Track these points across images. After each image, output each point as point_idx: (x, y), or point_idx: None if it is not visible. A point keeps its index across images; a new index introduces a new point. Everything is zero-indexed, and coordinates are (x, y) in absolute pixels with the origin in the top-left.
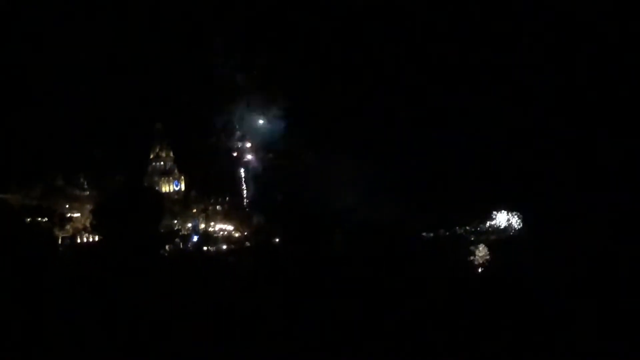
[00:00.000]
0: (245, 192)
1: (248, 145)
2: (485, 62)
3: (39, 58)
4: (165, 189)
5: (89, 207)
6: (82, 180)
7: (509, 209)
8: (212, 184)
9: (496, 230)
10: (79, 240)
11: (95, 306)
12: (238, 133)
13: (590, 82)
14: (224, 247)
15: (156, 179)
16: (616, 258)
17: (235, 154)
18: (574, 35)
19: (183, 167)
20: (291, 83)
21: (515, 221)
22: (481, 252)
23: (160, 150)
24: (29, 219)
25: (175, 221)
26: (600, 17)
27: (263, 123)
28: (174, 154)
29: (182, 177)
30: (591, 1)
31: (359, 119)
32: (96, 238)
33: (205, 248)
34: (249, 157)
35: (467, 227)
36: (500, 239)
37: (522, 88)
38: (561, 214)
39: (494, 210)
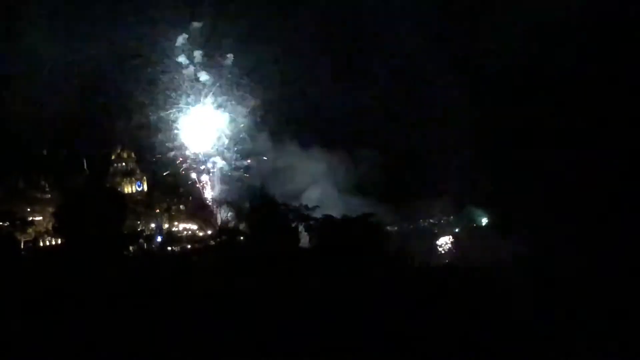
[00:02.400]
0: (208, 190)
1: (211, 143)
2: (448, 58)
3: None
4: (127, 189)
5: (50, 209)
6: (43, 182)
7: (473, 203)
8: (174, 184)
9: (459, 222)
10: (41, 244)
11: (59, 310)
12: (200, 131)
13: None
14: (189, 246)
15: (118, 179)
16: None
17: (198, 153)
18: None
19: (145, 167)
20: (257, 78)
21: (479, 214)
22: (444, 244)
23: (122, 150)
24: None
25: (139, 222)
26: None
27: (228, 120)
28: (135, 155)
29: (145, 178)
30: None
31: (324, 114)
32: (59, 241)
33: (169, 248)
34: (212, 155)
35: (431, 220)
36: (464, 231)
37: (482, 79)
38: (523, 207)
39: (458, 204)
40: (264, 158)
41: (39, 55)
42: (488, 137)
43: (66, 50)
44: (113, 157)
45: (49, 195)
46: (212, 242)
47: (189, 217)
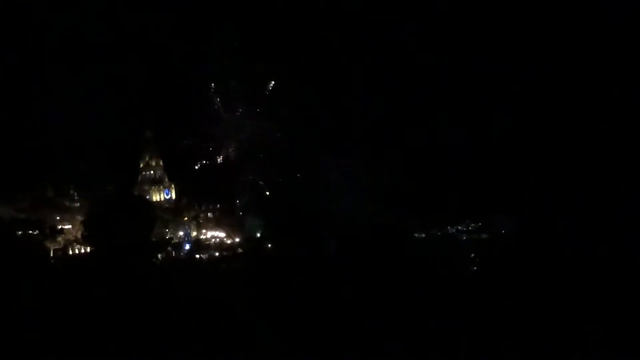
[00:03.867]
0: (236, 198)
1: (239, 151)
2: (478, 66)
3: (25, 72)
4: (155, 197)
5: (79, 218)
6: (72, 191)
7: (501, 208)
8: (203, 191)
9: (488, 229)
10: (70, 252)
11: (90, 318)
12: (229, 140)
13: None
14: (217, 254)
15: (146, 188)
16: (601, 258)
17: (225, 161)
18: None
19: (173, 175)
20: (284, 89)
21: (507, 220)
22: (473, 250)
23: (150, 159)
24: (19, 232)
25: (167, 230)
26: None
27: (255, 129)
28: (163, 162)
29: (173, 185)
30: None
31: (351, 122)
32: (88, 249)
33: (197, 256)
34: (240, 163)
35: (459, 227)
36: (492, 238)
37: (511, 91)
38: (552, 213)
39: (486, 210)
40: (292, 166)
41: (67, 64)
42: (517, 142)
43: (96, 60)
44: (141, 165)
45: (78, 204)
46: (240, 250)
47: (217, 224)
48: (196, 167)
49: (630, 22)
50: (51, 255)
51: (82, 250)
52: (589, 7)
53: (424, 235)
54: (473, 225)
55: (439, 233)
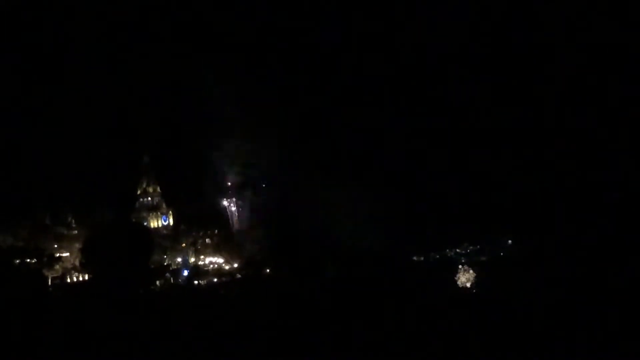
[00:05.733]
0: (234, 224)
1: (237, 177)
2: (471, 91)
3: (21, 99)
4: (153, 224)
5: (77, 245)
6: (69, 218)
7: (499, 231)
8: (200, 218)
9: (486, 251)
10: (68, 280)
11: (88, 346)
12: (227, 166)
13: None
14: (215, 280)
15: (144, 214)
16: (599, 281)
17: (223, 187)
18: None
19: (171, 201)
20: (281, 116)
21: (505, 243)
22: (471, 273)
23: (147, 185)
24: (17, 261)
25: (165, 256)
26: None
27: (252, 156)
28: (161, 189)
29: (170, 212)
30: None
31: (347, 148)
32: (86, 277)
33: (195, 282)
34: (237, 189)
35: (458, 250)
36: (491, 260)
37: (510, 112)
38: (549, 237)
39: (484, 232)
40: (290, 190)
41: (63, 92)
42: (514, 166)
43: (93, 87)
44: (139, 192)
45: (76, 232)
46: (239, 276)
47: (215, 250)
48: (194, 194)
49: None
50: (49, 283)
51: (80, 278)
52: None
53: (422, 258)
54: (471, 247)
55: (438, 256)
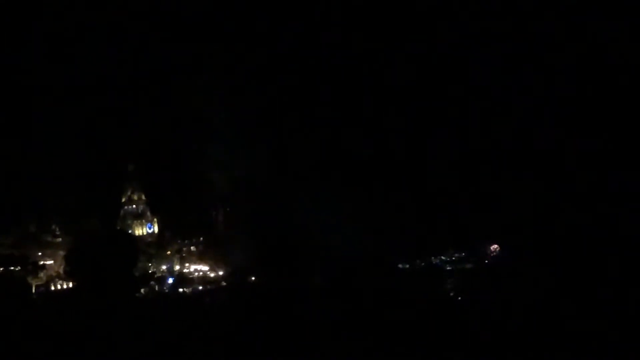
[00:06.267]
0: (219, 231)
1: (223, 184)
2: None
3: (4, 106)
4: (138, 232)
5: (62, 253)
6: (54, 226)
7: (485, 238)
8: (186, 225)
9: (471, 258)
10: (53, 288)
11: (72, 353)
12: (213, 173)
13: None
14: (200, 287)
15: (129, 222)
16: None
17: (209, 194)
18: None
19: (156, 209)
20: (267, 121)
21: (491, 250)
22: (457, 280)
23: (132, 193)
24: (1, 268)
25: (150, 264)
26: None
27: (238, 161)
28: (146, 197)
29: (155, 219)
30: None
31: (335, 155)
32: (70, 285)
33: (180, 290)
34: (223, 196)
35: (443, 257)
36: (476, 268)
37: (493, 120)
38: (535, 244)
39: (470, 240)
40: (276, 198)
41: (49, 99)
42: (500, 174)
43: (78, 95)
44: (124, 200)
45: (60, 239)
46: (224, 283)
47: (200, 258)
48: (180, 201)
49: None
50: (34, 291)
51: (65, 286)
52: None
53: (408, 265)
54: (457, 255)
55: (423, 263)
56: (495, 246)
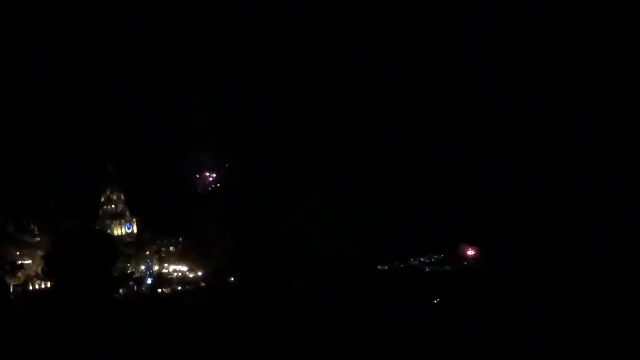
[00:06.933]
0: (199, 232)
1: (203, 184)
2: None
3: None
4: (117, 232)
5: (40, 253)
6: (32, 226)
7: (464, 241)
8: (165, 225)
9: (449, 261)
10: (30, 288)
11: (50, 353)
12: (193, 174)
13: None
14: (179, 288)
15: (108, 222)
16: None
17: (189, 194)
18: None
19: (135, 209)
20: (247, 122)
21: (469, 253)
22: (435, 282)
23: (111, 193)
24: None
25: (129, 264)
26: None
27: (217, 161)
28: (125, 197)
29: (134, 219)
30: None
31: (315, 158)
32: (48, 284)
33: (159, 290)
34: (203, 196)
35: (422, 259)
36: (454, 270)
37: (478, 121)
38: (513, 246)
39: (449, 242)
40: (256, 198)
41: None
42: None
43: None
44: (102, 200)
45: (39, 239)
46: (203, 284)
47: (179, 258)
48: (159, 201)
49: None
50: (11, 290)
51: (43, 286)
52: None
53: (386, 267)
54: (436, 257)
55: (402, 265)
56: (473, 248)
